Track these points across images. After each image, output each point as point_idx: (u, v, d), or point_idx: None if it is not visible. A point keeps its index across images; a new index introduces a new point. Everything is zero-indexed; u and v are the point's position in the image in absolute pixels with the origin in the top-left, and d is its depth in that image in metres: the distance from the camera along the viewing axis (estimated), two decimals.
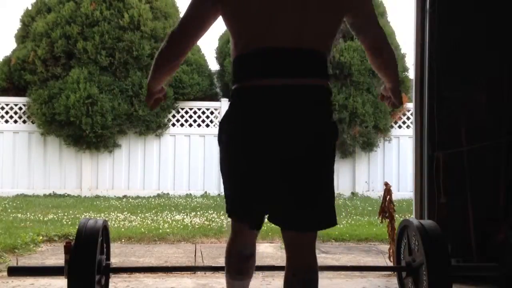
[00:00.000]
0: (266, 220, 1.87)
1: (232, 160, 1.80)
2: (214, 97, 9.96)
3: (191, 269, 3.45)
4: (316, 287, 1.82)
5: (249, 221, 1.85)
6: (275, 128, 1.71)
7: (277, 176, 1.72)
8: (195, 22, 1.82)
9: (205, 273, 3.45)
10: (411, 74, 6.52)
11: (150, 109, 1.91)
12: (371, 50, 1.95)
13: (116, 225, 5.57)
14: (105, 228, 2.55)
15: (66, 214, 6.41)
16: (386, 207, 3.41)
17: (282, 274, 3.47)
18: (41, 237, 4.76)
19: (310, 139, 1.73)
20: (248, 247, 1.96)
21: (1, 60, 9.56)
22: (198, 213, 6.57)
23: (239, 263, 1.97)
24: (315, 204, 1.74)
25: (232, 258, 1.98)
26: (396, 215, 3.48)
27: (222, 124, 1.86)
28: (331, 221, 1.77)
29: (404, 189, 9.06)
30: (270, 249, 4.57)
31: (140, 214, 6.47)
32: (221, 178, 1.91)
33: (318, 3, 1.73)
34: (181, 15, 1.89)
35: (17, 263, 3.83)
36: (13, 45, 9.80)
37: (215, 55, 10.22)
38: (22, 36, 9.55)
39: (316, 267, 1.84)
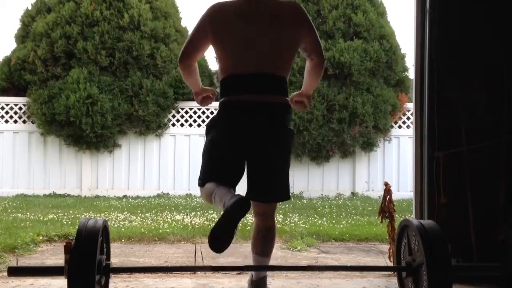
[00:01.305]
0: None
1: (219, 148, 2.46)
2: None
3: (191, 269, 3.45)
4: (272, 244, 2.61)
5: (223, 181, 2.42)
6: (250, 130, 2.41)
7: (249, 160, 2.44)
8: (193, 48, 2.55)
9: (205, 273, 3.46)
10: (411, 74, 6.52)
11: (201, 105, 2.82)
12: (315, 68, 2.63)
13: (116, 225, 5.57)
14: (105, 228, 2.55)
15: (66, 214, 6.41)
16: (386, 207, 3.41)
17: (282, 274, 3.49)
18: (41, 237, 4.76)
19: (272, 139, 2.43)
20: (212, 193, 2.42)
21: (1, 60, 9.57)
22: (198, 213, 6.57)
23: (209, 190, 2.41)
24: (275, 186, 2.50)
25: (205, 191, 2.46)
26: (396, 215, 3.48)
27: (212, 122, 2.55)
28: (287, 197, 2.54)
29: (404, 189, 9.07)
30: None
31: (140, 214, 6.47)
32: (202, 159, 2.54)
33: (283, 45, 2.44)
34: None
35: (17, 263, 3.83)
36: (13, 45, 9.80)
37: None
38: (22, 36, 9.55)
39: (274, 229, 2.60)
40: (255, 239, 2.61)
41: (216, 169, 2.47)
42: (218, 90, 2.69)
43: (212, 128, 2.53)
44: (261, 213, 2.59)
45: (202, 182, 2.51)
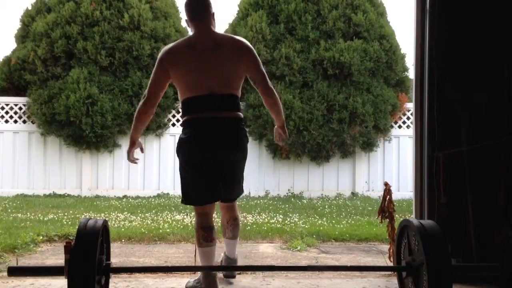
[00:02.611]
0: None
1: (189, 166, 2.92)
2: None
3: (191, 269, 3.44)
4: (239, 228, 3.22)
5: (205, 202, 2.95)
6: (210, 142, 2.87)
7: (216, 172, 2.91)
8: (157, 87, 2.97)
9: None
10: (411, 74, 6.53)
11: (131, 161, 3.13)
12: (263, 96, 3.04)
13: (116, 225, 5.57)
14: (105, 228, 2.55)
15: (66, 214, 6.41)
16: (386, 207, 3.41)
17: (282, 274, 3.49)
18: (41, 237, 4.76)
19: (232, 148, 2.93)
20: (209, 222, 2.96)
21: (1, 60, 9.57)
22: None
23: (205, 233, 2.92)
24: (237, 187, 3.07)
25: (200, 231, 2.92)
26: (396, 215, 3.48)
27: (179, 144, 2.94)
28: (242, 191, 3.15)
29: (404, 189, 9.07)
30: (270, 249, 4.57)
31: (140, 214, 6.48)
32: (180, 178, 3.00)
33: (227, 68, 2.89)
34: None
35: (17, 263, 3.83)
36: (13, 45, 9.81)
37: None
38: (22, 36, 9.55)
39: (238, 217, 3.23)
40: (226, 227, 3.19)
41: (195, 185, 2.93)
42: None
43: (180, 147, 2.94)
44: (228, 208, 3.16)
45: (188, 203, 3.02)
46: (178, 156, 2.98)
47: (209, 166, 2.89)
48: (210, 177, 2.91)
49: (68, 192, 9.20)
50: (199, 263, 3.93)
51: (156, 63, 2.95)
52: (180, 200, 3.08)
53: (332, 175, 9.50)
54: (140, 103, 2.98)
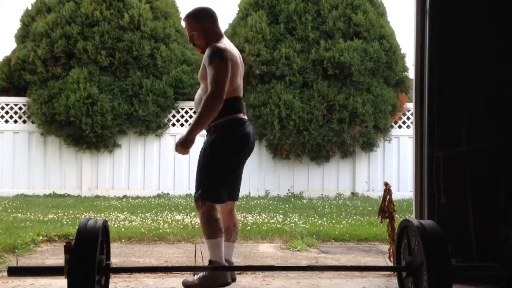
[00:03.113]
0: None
1: (228, 164, 3.11)
2: None
3: (191, 269, 3.45)
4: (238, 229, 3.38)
5: (226, 200, 3.14)
6: (246, 143, 3.13)
7: (239, 172, 3.22)
8: (226, 85, 2.99)
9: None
10: (411, 74, 6.53)
11: (185, 152, 3.02)
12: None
13: (116, 225, 5.57)
14: (105, 228, 2.55)
15: (66, 214, 6.41)
16: (386, 207, 3.41)
17: (282, 274, 3.49)
18: (41, 237, 4.76)
19: (251, 149, 3.21)
20: (218, 214, 3.13)
21: (1, 60, 9.57)
22: None
23: (219, 225, 3.06)
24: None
25: (215, 223, 3.04)
26: (396, 215, 3.48)
27: (221, 139, 3.05)
28: None
29: (404, 189, 9.07)
30: (270, 249, 4.57)
31: (140, 214, 6.48)
32: (210, 175, 3.05)
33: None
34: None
35: (17, 263, 3.83)
36: (13, 45, 9.82)
37: None
38: (22, 36, 9.55)
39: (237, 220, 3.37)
40: (231, 231, 3.26)
41: (226, 183, 3.09)
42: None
43: (222, 145, 3.05)
44: (231, 210, 3.25)
45: (211, 198, 3.04)
46: (218, 154, 3.03)
47: (239, 165, 3.19)
48: (237, 175, 3.20)
49: (68, 192, 9.20)
50: (199, 263, 3.94)
51: (222, 62, 2.98)
52: (202, 197, 3.00)
53: (332, 175, 9.50)
54: (212, 102, 2.93)
